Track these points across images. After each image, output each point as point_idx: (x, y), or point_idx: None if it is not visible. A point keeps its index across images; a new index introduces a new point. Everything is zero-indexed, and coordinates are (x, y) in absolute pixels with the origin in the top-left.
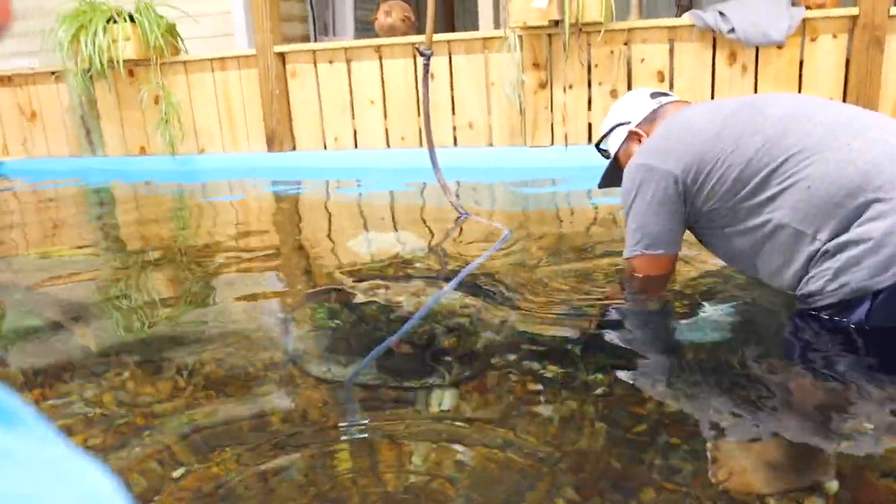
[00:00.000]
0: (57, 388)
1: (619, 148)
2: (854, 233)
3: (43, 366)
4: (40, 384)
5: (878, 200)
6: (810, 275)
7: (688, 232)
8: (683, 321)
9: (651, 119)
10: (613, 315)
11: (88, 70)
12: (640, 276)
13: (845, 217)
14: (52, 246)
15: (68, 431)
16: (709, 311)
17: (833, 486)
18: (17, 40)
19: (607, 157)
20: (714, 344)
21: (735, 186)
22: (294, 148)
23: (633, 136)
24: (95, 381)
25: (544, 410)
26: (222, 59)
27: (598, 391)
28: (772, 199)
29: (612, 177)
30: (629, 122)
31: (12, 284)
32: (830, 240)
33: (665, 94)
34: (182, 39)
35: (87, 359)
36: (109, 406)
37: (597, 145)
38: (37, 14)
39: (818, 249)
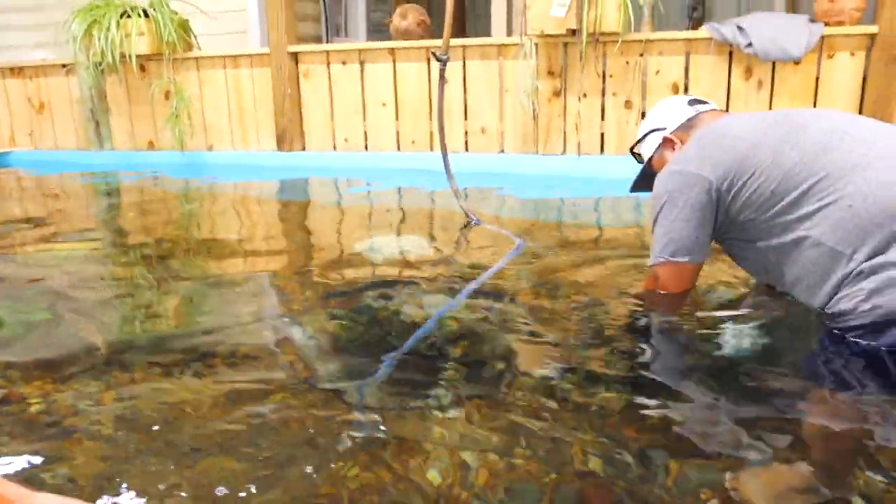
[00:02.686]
0: (59, 384)
1: (653, 153)
2: (893, 254)
3: (43, 362)
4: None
5: None
6: (842, 294)
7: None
8: (703, 335)
9: (687, 126)
10: (630, 327)
11: (100, 64)
12: (663, 284)
13: (885, 238)
14: (55, 240)
15: (71, 430)
16: (730, 325)
17: None
18: (29, 32)
19: (641, 162)
20: (734, 361)
21: (772, 199)
22: (304, 148)
23: (668, 143)
24: (97, 380)
25: (554, 424)
26: (235, 56)
27: (611, 406)
28: (809, 215)
29: (643, 181)
30: (664, 129)
31: (14, 279)
32: (867, 260)
33: (703, 103)
34: (195, 36)
35: (89, 357)
36: (113, 406)
37: (631, 150)
38: (50, 7)
39: (853, 270)
